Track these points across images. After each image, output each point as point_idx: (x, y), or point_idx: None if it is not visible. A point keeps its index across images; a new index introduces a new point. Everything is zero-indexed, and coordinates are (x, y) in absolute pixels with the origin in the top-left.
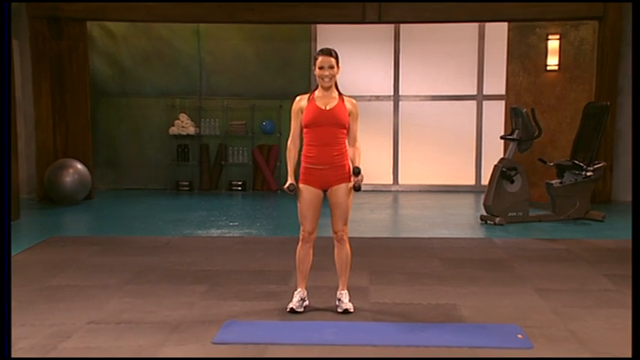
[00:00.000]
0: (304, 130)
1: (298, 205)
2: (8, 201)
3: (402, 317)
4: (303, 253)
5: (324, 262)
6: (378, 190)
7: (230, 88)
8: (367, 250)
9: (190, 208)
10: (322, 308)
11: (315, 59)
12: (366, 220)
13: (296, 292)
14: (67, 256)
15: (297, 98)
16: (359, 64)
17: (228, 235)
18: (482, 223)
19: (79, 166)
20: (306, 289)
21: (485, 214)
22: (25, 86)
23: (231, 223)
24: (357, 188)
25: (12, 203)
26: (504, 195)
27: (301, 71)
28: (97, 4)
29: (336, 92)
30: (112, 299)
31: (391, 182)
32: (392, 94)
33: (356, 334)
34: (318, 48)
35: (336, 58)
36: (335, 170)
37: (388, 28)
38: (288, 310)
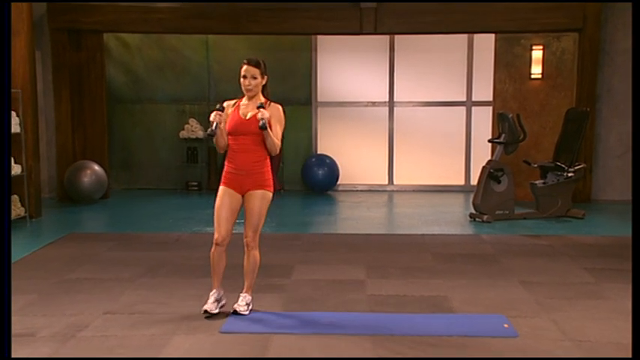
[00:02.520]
0: (228, 137)
1: (215, 207)
2: (8, 200)
3: (396, 308)
4: (217, 257)
5: (313, 255)
6: (374, 190)
7: (236, 94)
8: (364, 245)
9: (199, 206)
10: (320, 299)
11: (241, 67)
12: (363, 217)
13: (211, 294)
14: (84, 251)
15: (225, 103)
16: (356, 72)
17: (234, 232)
18: (471, 221)
19: (96, 167)
20: (221, 288)
21: (474, 212)
22: (46, 93)
23: (237, 221)
24: (262, 125)
25: (34, 202)
26: (492, 194)
27: (303, 79)
28: (114, 17)
29: (262, 100)
30: (127, 291)
31: (386, 182)
32: (387, 100)
33: (353, 324)
34: (318, 57)
35: (261, 69)
36: (253, 176)
37: (383, 39)
38: (202, 312)
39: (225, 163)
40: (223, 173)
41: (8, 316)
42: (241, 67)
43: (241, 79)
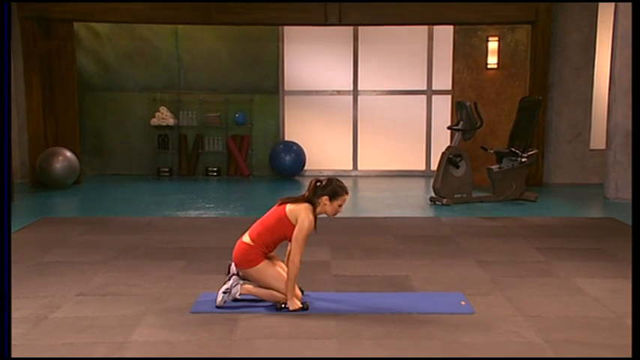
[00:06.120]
0: (284, 236)
1: (270, 274)
2: (8, 203)
3: (360, 287)
4: None
5: None
6: (339, 175)
7: (206, 83)
8: (329, 228)
9: (170, 191)
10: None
11: (339, 195)
12: None
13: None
14: (57, 235)
15: (312, 220)
16: (322, 61)
17: (204, 215)
18: (431, 204)
19: (68, 153)
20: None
21: (434, 195)
22: (17, 81)
23: (207, 205)
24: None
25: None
26: (451, 179)
27: (270, 68)
28: (84, 6)
29: None
30: (99, 273)
31: (351, 168)
32: (351, 89)
33: (319, 302)
34: (285, 47)
35: None
36: None
37: (348, 30)
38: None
39: (263, 250)
40: (260, 253)
41: (8, 316)
42: (343, 196)
43: (338, 207)
